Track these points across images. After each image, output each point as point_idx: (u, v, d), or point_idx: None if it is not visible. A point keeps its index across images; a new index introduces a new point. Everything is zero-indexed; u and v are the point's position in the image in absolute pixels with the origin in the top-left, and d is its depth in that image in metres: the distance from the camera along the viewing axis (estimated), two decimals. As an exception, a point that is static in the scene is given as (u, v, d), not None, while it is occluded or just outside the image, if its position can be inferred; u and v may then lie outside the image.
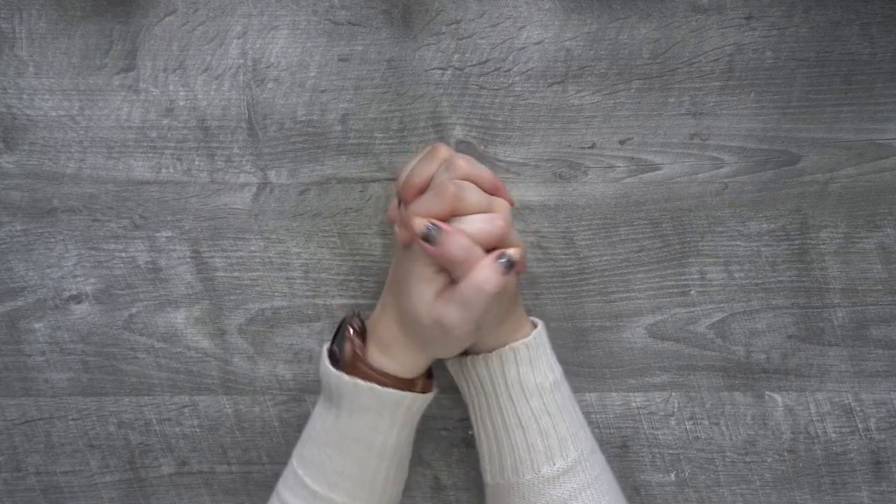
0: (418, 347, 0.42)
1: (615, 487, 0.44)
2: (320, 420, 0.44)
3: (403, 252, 0.42)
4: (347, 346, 0.43)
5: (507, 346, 0.43)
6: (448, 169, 0.41)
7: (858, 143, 0.50)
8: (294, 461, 0.45)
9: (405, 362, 0.43)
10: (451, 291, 0.39)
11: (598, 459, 0.44)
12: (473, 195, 0.40)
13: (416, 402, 0.43)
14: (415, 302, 0.40)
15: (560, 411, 0.43)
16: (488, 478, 0.45)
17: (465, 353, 0.46)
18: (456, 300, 0.39)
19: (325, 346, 0.45)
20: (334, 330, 0.45)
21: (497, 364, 0.43)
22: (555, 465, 0.42)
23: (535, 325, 0.45)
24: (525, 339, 0.43)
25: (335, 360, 0.43)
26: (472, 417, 0.45)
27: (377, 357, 0.43)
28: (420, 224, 0.38)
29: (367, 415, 0.42)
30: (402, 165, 0.44)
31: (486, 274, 0.38)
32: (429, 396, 0.44)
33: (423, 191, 0.42)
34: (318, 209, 0.51)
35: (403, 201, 0.42)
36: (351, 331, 0.43)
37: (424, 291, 0.40)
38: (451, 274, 0.40)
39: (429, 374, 0.46)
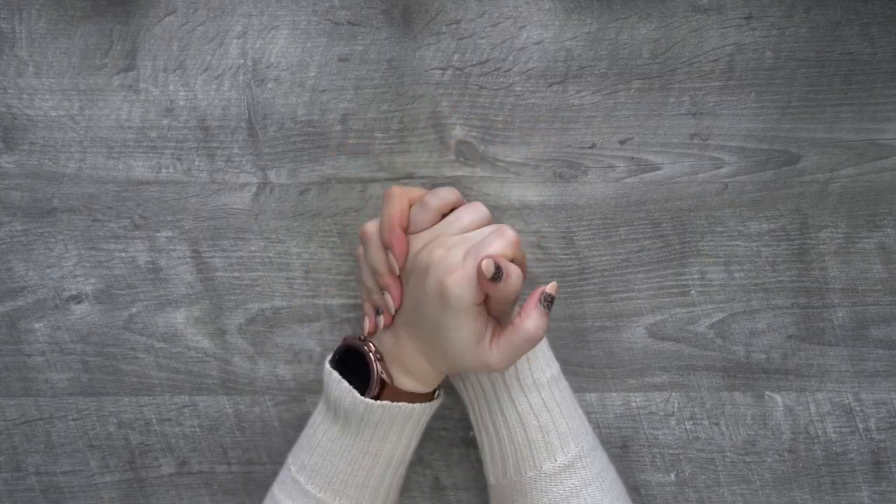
0: (445, 371, 0.43)
1: (618, 484, 0.44)
2: (324, 430, 0.44)
3: (427, 304, 0.40)
4: (375, 375, 0.42)
5: None
6: (422, 204, 0.41)
7: (858, 143, 0.50)
8: (292, 468, 0.44)
9: (429, 381, 0.43)
10: (499, 338, 0.39)
11: (600, 456, 0.44)
12: (467, 214, 0.41)
13: (427, 411, 0.44)
14: (459, 352, 0.40)
15: (559, 407, 0.43)
16: (491, 478, 0.45)
17: None
18: (504, 347, 0.39)
19: (328, 364, 0.44)
20: (337, 351, 0.44)
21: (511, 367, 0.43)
22: (556, 461, 0.42)
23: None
24: None
25: (349, 380, 0.43)
26: (472, 418, 0.45)
27: (403, 381, 0.43)
28: (488, 265, 0.37)
29: (377, 428, 0.42)
30: (363, 225, 0.44)
31: (535, 322, 0.38)
32: (438, 402, 0.45)
33: (405, 229, 0.42)
34: (318, 209, 0.51)
35: (391, 248, 0.41)
36: (375, 360, 0.43)
37: (469, 341, 0.39)
38: (491, 308, 0.40)
39: None
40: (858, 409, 0.52)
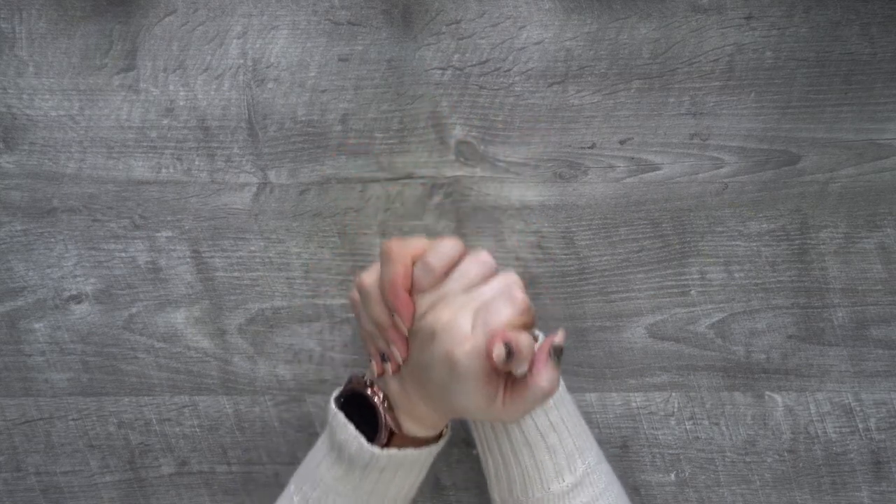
0: (450, 416, 0.42)
1: (623, 497, 0.44)
2: (327, 468, 0.42)
3: (434, 369, 0.38)
4: (384, 425, 0.41)
5: None
6: (425, 266, 0.39)
7: (858, 143, 0.50)
8: (295, 498, 0.43)
9: (436, 426, 0.42)
10: (514, 396, 0.38)
11: (605, 470, 0.44)
12: (472, 268, 0.39)
13: (432, 452, 0.43)
14: (470, 411, 0.39)
15: (565, 425, 0.43)
16: (496, 496, 0.45)
17: None
18: (519, 403, 0.38)
19: (334, 403, 0.43)
20: (343, 393, 0.43)
21: None
22: (564, 481, 0.42)
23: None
24: None
25: (355, 423, 0.42)
26: (477, 438, 0.45)
27: (411, 428, 0.42)
28: (500, 353, 0.35)
29: (382, 473, 0.41)
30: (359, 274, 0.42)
31: (547, 379, 0.37)
32: (444, 441, 0.44)
33: (408, 290, 0.39)
34: (318, 209, 0.51)
35: (397, 312, 0.39)
36: (383, 409, 0.41)
37: (480, 403, 0.38)
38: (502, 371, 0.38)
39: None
40: (858, 409, 0.52)
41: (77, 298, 0.52)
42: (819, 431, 0.52)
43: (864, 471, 0.52)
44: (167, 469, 0.53)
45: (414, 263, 0.39)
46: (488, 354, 0.36)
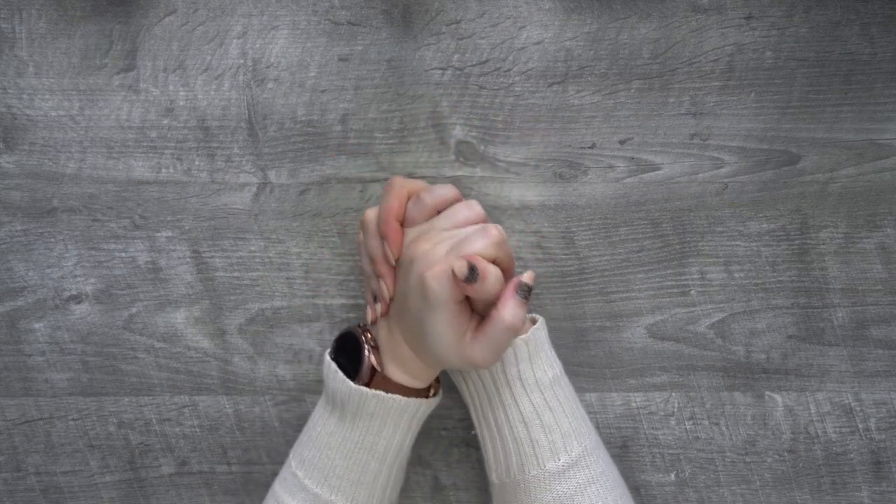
0: (433, 366, 0.43)
1: (621, 483, 0.44)
2: (322, 423, 0.44)
3: (410, 297, 0.41)
4: (367, 362, 0.43)
5: None
6: (418, 199, 0.42)
7: (858, 143, 0.50)
8: (293, 462, 0.45)
9: (420, 375, 0.43)
10: (478, 333, 0.39)
11: (603, 455, 0.44)
12: (461, 211, 0.41)
13: (421, 407, 0.44)
14: (441, 349, 0.40)
15: (562, 406, 0.43)
16: (494, 477, 0.45)
17: None
18: (485, 341, 0.39)
19: (328, 354, 0.45)
20: (337, 338, 0.45)
21: (497, 362, 0.43)
22: (559, 460, 0.42)
23: (534, 322, 0.45)
24: (524, 336, 0.43)
25: (344, 369, 0.43)
26: (474, 417, 0.45)
27: (395, 372, 0.43)
28: (461, 268, 0.37)
29: (372, 420, 0.42)
30: (368, 210, 0.44)
31: (511, 312, 0.38)
32: (434, 401, 0.45)
33: (401, 221, 0.42)
34: (318, 209, 0.51)
35: (386, 238, 0.42)
36: (368, 348, 0.44)
37: (449, 338, 0.40)
38: (474, 305, 0.40)
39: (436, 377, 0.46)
40: (858, 409, 0.52)
41: (77, 298, 0.52)
42: (819, 431, 0.52)
43: (864, 471, 0.52)
44: (167, 469, 0.53)
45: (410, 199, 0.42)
46: (453, 277, 0.38)
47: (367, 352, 0.43)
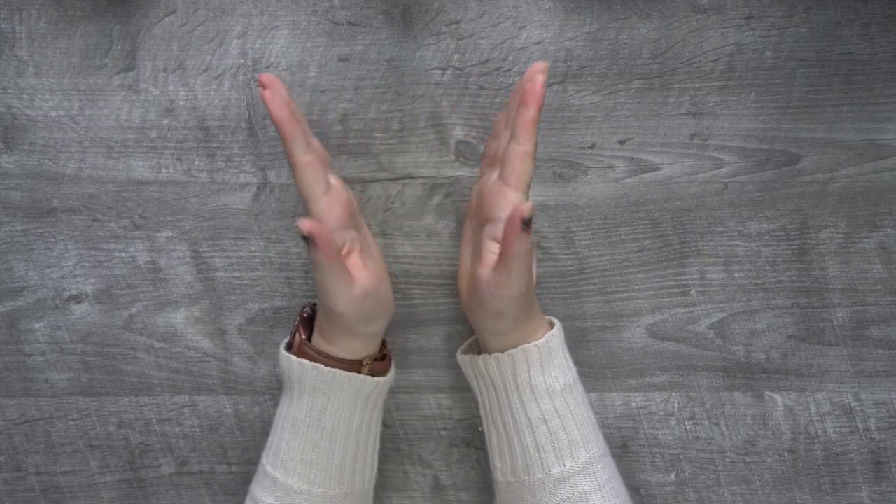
0: (348, 333, 0.43)
1: (624, 491, 0.44)
2: (279, 407, 0.45)
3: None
4: (294, 332, 0.45)
5: (518, 348, 0.43)
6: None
7: (858, 143, 0.50)
8: (263, 459, 0.45)
9: (345, 346, 0.44)
10: (500, 271, 0.40)
11: (609, 463, 0.44)
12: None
13: (366, 385, 0.44)
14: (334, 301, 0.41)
15: (571, 413, 0.43)
16: (499, 475, 0.45)
17: (478, 352, 0.46)
18: (507, 274, 0.39)
19: (286, 339, 0.46)
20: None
21: (509, 365, 0.43)
22: (565, 466, 0.42)
23: (552, 325, 0.45)
24: (538, 342, 0.43)
25: (288, 347, 0.45)
26: (483, 415, 0.46)
27: (320, 342, 0.44)
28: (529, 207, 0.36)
29: (315, 396, 0.43)
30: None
31: (521, 244, 0.38)
32: (381, 381, 0.45)
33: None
34: (318, 209, 0.51)
35: None
36: (298, 319, 0.45)
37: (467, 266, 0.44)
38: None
39: (383, 357, 0.46)
40: (858, 409, 0.52)
41: (77, 298, 0.52)
42: (819, 431, 0.52)
43: (864, 471, 0.52)
44: (167, 469, 0.53)
45: None
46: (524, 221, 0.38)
47: (296, 321, 0.45)
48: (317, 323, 0.44)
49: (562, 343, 0.44)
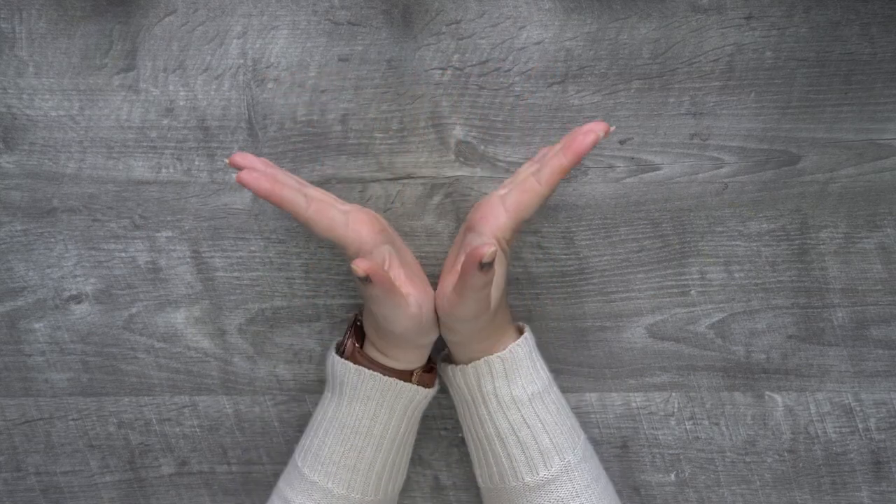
0: (404, 346, 0.43)
1: (610, 493, 0.44)
2: (322, 410, 0.45)
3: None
4: (349, 341, 0.44)
5: (482, 360, 0.43)
6: None
7: (858, 143, 0.50)
8: (296, 454, 0.45)
9: (400, 357, 0.44)
10: (458, 295, 0.39)
11: (590, 467, 0.44)
12: None
13: (416, 395, 0.44)
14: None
15: (541, 423, 0.43)
16: (480, 481, 0.46)
17: (450, 362, 0.46)
18: (466, 299, 0.39)
19: (336, 341, 0.46)
20: (345, 328, 0.47)
21: (473, 377, 0.43)
22: (538, 474, 0.42)
23: (521, 331, 0.45)
24: (501, 353, 0.43)
25: (341, 353, 0.45)
26: (461, 422, 0.46)
27: (373, 352, 0.44)
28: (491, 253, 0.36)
29: (368, 403, 0.43)
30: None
31: (478, 280, 0.38)
32: (429, 392, 0.45)
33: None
34: (318, 209, 0.51)
35: None
36: (352, 328, 0.45)
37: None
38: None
39: (430, 369, 0.46)
40: (858, 409, 0.52)
41: (77, 298, 0.52)
42: (819, 431, 0.52)
43: (864, 471, 0.52)
44: (167, 469, 0.53)
45: None
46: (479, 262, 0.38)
47: (349, 328, 0.45)
48: (369, 337, 0.44)
49: (528, 352, 0.44)
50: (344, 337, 0.46)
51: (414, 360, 0.44)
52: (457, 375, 0.44)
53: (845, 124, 0.50)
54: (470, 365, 0.43)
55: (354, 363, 0.43)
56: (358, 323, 0.46)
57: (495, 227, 0.41)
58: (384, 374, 0.43)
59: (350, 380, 0.43)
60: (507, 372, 0.43)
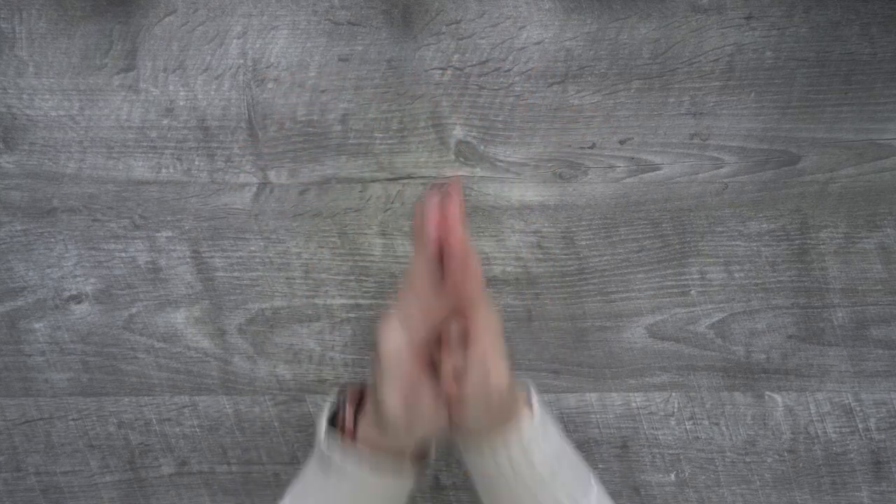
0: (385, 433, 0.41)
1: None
2: (311, 478, 0.43)
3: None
4: (340, 416, 0.42)
5: (495, 443, 0.41)
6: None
7: (858, 143, 0.50)
8: None
9: (398, 439, 0.41)
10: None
11: None
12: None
13: (406, 487, 0.43)
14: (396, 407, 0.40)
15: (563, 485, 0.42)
16: None
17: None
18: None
19: (328, 405, 0.43)
20: (336, 392, 0.44)
21: (489, 452, 0.42)
22: None
23: (527, 396, 0.43)
24: (519, 431, 0.41)
25: (334, 421, 0.42)
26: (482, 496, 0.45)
27: (367, 430, 0.41)
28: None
29: (352, 482, 0.41)
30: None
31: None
32: (406, 483, 0.43)
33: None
34: (318, 209, 0.51)
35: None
36: (347, 405, 0.43)
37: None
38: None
39: (423, 456, 0.44)
40: (858, 409, 0.52)
41: (77, 298, 0.52)
42: (819, 431, 0.52)
43: (864, 471, 0.52)
44: (167, 469, 0.53)
45: None
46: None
47: (345, 405, 0.43)
48: (370, 417, 0.41)
49: (542, 419, 0.42)
50: (338, 403, 0.43)
51: (412, 442, 0.42)
52: (465, 444, 0.43)
53: (845, 124, 0.50)
54: (485, 441, 0.42)
55: (344, 436, 0.41)
56: (353, 398, 0.43)
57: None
58: (373, 454, 0.41)
59: (336, 456, 0.41)
60: (525, 446, 0.41)
